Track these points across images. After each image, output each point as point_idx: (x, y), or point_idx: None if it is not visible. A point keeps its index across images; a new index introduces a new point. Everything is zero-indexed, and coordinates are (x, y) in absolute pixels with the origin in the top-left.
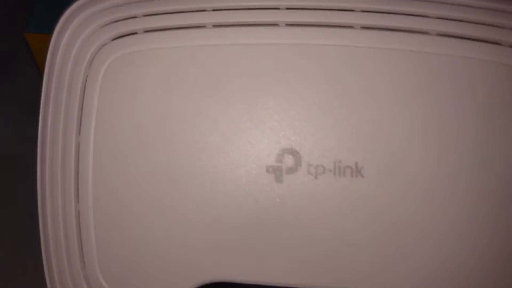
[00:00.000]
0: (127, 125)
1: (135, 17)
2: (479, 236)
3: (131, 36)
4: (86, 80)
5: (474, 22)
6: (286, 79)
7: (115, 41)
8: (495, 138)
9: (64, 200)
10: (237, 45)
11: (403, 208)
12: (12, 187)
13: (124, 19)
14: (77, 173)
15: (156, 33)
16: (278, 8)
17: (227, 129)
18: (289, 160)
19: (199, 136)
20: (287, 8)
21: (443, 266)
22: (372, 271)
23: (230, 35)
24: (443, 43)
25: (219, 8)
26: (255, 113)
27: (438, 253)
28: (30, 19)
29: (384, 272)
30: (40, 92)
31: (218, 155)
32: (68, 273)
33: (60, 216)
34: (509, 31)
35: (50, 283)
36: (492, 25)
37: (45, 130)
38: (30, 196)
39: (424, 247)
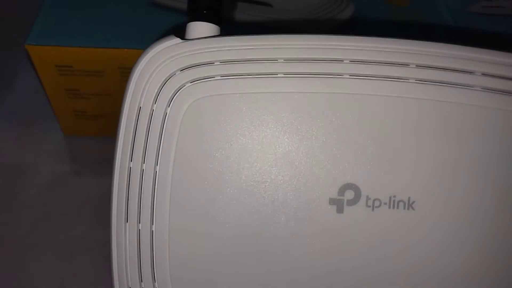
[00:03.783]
0: (203, 159)
1: (212, 63)
2: None
3: (209, 81)
4: (165, 118)
5: None
6: (350, 124)
7: (193, 84)
8: None
9: (139, 220)
10: (305, 93)
11: (449, 239)
12: (13, 196)
13: (202, 64)
14: (153, 198)
15: (231, 79)
16: (342, 61)
17: (295, 165)
18: (350, 194)
19: (268, 169)
20: (350, 61)
21: None
22: None
23: (298, 84)
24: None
25: (290, 59)
26: (321, 152)
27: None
28: (31, 30)
29: None
30: (38, 102)
31: (286, 187)
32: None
33: (135, 237)
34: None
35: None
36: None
37: (124, 158)
38: (30, 205)
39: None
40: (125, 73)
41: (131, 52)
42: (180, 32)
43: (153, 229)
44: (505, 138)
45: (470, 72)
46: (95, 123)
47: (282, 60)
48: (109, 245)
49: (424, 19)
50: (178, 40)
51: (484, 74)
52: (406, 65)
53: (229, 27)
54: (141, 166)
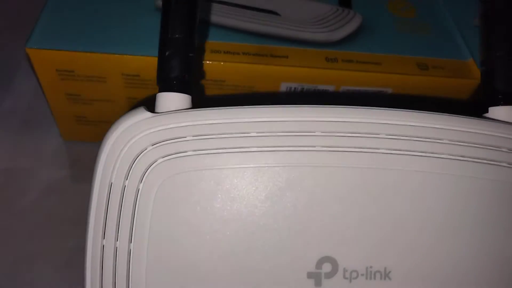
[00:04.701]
0: (179, 236)
1: (184, 138)
2: None
3: (181, 157)
4: (138, 195)
5: None
6: (324, 197)
7: (165, 159)
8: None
9: None
10: (278, 166)
11: None
12: (9, 202)
13: (174, 139)
14: (128, 277)
15: (204, 154)
16: (314, 133)
17: (271, 240)
18: (327, 267)
19: (246, 245)
20: (322, 133)
21: None
22: None
23: (271, 158)
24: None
25: (262, 133)
26: (297, 225)
27: None
28: (32, 33)
29: None
30: (37, 105)
31: (263, 263)
32: None
33: None
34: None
35: None
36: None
37: (97, 236)
38: (27, 212)
39: None
40: (129, 79)
41: (135, 59)
42: (151, 103)
43: None
44: (477, 206)
45: (438, 140)
46: (95, 128)
47: (255, 134)
48: None
49: (430, 32)
50: (148, 114)
51: (451, 141)
52: (376, 135)
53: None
54: (115, 243)
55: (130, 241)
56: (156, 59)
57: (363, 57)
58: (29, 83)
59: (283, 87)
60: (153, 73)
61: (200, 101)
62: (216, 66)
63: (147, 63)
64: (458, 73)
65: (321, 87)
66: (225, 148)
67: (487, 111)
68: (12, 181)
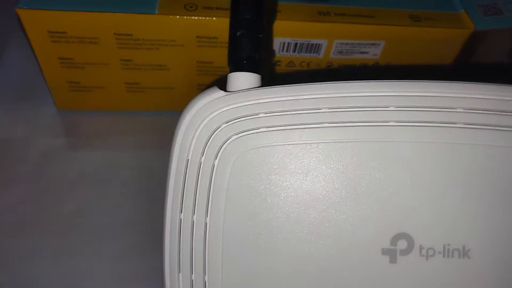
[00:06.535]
0: (254, 210)
1: (257, 115)
2: None
3: (254, 133)
4: (213, 171)
5: None
6: (400, 172)
7: (239, 136)
8: None
9: (192, 271)
10: (352, 142)
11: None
12: (7, 171)
13: (247, 117)
14: (205, 250)
15: (277, 131)
16: (388, 108)
17: (346, 216)
18: (403, 243)
19: (318, 220)
20: (396, 108)
21: None
22: None
23: (345, 133)
24: None
25: (334, 108)
26: (371, 201)
27: None
28: None
29: None
30: (31, 73)
31: (338, 238)
32: None
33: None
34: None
35: None
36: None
37: (175, 210)
38: (25, 180)
39: None
40: (121, 39)
41: (128, 17)
42: (223, 83)
43: (206, 280)
44: None
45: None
46: (90, 95)
47: (326, 110)
48: None
49: None
50: (221, 93)
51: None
52: (453, 109)
53: None
54: (192, 217)
55: (207, 215)
56: (148, 16)
57: (356, 11)
58: (23, 50)
59: (277, 42)
60: (146, 32)
61: (270, 80)
62: (209, 22)
63: (139, 21)
64: (451, 23)
65: (314, 41)
66: (297, 124)
67: None
68: (9, 151)
